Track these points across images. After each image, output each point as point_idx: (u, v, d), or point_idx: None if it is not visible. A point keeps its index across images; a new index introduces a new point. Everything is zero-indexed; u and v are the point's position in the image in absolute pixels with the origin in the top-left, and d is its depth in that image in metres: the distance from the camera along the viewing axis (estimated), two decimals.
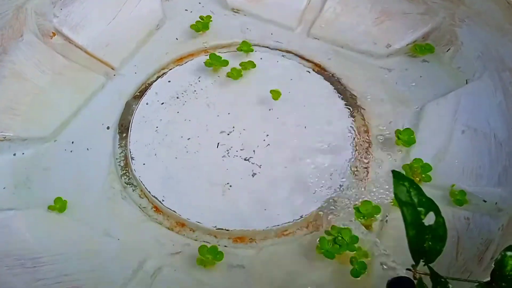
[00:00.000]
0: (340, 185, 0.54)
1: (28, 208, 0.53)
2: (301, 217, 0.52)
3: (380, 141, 0.58)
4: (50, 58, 0.63)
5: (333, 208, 0.52)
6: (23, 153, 0.58)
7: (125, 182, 0.56)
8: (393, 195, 0.38)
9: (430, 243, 0.34)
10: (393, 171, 0.34)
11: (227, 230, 0.51)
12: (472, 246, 0.47)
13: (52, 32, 0.66)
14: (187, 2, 0.72)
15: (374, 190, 0.54)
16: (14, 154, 0.58)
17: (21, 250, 0.48)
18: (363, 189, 0.54)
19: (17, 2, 0.60)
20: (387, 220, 0.51)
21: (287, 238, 0.52)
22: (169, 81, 0.64)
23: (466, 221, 0.50)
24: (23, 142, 0.58)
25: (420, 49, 0.65)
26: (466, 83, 0.61)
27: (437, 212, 0.34)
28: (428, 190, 0.37)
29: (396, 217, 0.51)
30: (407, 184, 0.34)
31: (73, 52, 0.66)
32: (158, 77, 0.65)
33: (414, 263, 0.36)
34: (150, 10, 0.70)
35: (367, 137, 0.58)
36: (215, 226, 0.51)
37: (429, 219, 0.34)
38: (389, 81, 0.64)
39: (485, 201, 0.50)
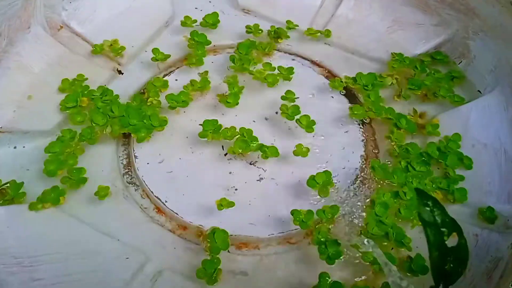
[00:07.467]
0: (346, 194, 0.53)
1: (25, 203, 0.51)
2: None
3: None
4: (56, 51, 0.62)
5: (339, 217, 0.51)
6: (23, 147, 0.57)
7: (127, 181, 0.55)
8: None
9: (451, 265, 0.33)
10: (416, 189, 0.33)
11: (230, 235, 0.50)
12: (481, 263, 0.46)
13: (60, 25, 0.64)
14: (198, 0, 0.71)
15: None
16: (15, 147, 0.57)
17: (18, 247, 0.47)
18: (368, 200, 0.53)
19: None
20: None
21: (291, 246, 0.51)
22: (176, 80, 0.63)
23: (474, 237, 0.49)
24: (25, 135, 0.57)
25: (433, 58, 0.64)
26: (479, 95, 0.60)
27: (460, 234, 0.33)
28: None
29: None
30: (431, 204, 0.33)
31: (80, 46, 0.65)
32: (165, 75, 0.64)
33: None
34: (160, 7, 0.69)
35: (375, 147, 0.58)
36: None
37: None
38: None
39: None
